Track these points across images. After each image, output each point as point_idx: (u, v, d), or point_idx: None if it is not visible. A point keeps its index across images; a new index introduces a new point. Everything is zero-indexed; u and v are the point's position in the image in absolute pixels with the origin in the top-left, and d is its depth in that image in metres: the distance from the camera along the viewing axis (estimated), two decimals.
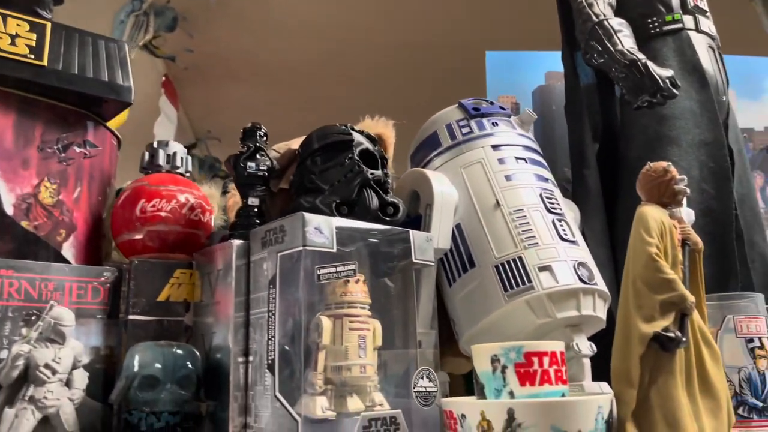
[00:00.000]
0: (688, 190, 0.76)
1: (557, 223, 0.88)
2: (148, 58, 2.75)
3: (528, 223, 0.87)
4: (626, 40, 1.04)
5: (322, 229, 0.68)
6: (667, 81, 0.98)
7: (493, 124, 0.98)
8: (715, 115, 1.06)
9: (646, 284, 0.71)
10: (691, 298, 0.71)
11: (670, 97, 0.99)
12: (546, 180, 0.95)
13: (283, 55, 3.01)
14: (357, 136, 0.82)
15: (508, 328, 0.84)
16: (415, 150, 1.04)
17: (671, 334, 0.69)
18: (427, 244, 0.79)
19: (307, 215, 0.68)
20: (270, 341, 0.68)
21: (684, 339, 0.70)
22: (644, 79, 0.99)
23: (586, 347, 0.83)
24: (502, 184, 0.91)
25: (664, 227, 0.73)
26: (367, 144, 0.82)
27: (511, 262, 0.85)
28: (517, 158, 0.95)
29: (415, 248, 0.78)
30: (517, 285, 0.83)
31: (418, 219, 0.91)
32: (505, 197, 0.90)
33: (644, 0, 1.13)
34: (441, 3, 2.19)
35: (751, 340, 0.80)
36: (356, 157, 0.79)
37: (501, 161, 0.94)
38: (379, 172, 0.81)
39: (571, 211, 1.00)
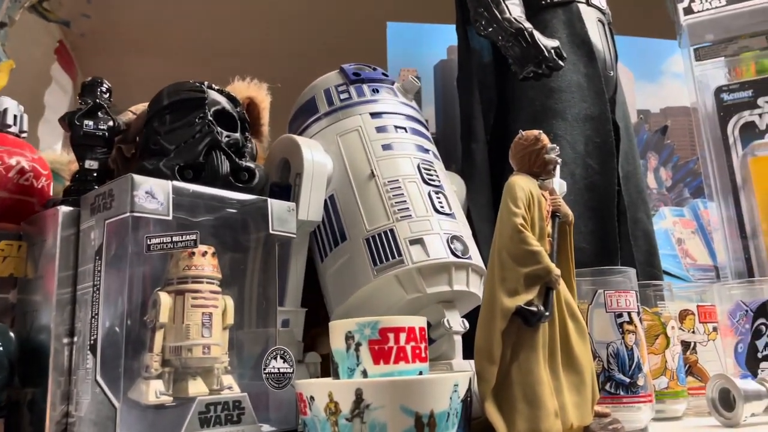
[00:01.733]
0: (560, 160, 0.73)
1: (433, 195, 0.84)
2: (39, 21, 2.53)
3: (402, 194, 0.82)
4: (514, 9, 1.01)
5: (155, 193, 0.61)
6: (552, 51, 0.96)
7: (373, 90, 0.93)
8: (601, 89, 1.05)
9: (511, 256, 0.68)
10: (557, 271, 0.68)
11: (556, 68, 0.97)
12: (426, 151, 0.91)
13: (191, 26, 2.85)
14: (213, 95, 0.75)
15: (378, 304, 0.80)
16: (294, 116, 0.97)
17: (534, 308, 0.66)
18: (288, 215, 0.73)
19: (137, 177, 0.60)
20: (93, 319, 0.60)
21: (547, 313, 0.67)
22: (530, 48, 0.96)
23: (458, 324, 0.80)
24: (378, 153, 0.86)
25: (532, 198, 0.70)
26: (225, 104, 0.75)
27: (382, 235, 0.80)
28: (396, 127, 0.90)
29: (273, 218, 0.72)
30: (387, 259, 0.78)
31: (288, 188, 0.85)
32: (381, 167, 0.85)
33: None
34: None
35: (620, 315, 0.78)
36: (209, 117, 0.72)
37: (379, 129, 0.89)
38: (236, 135, 0.74)
39: (454, 185, 0.97)
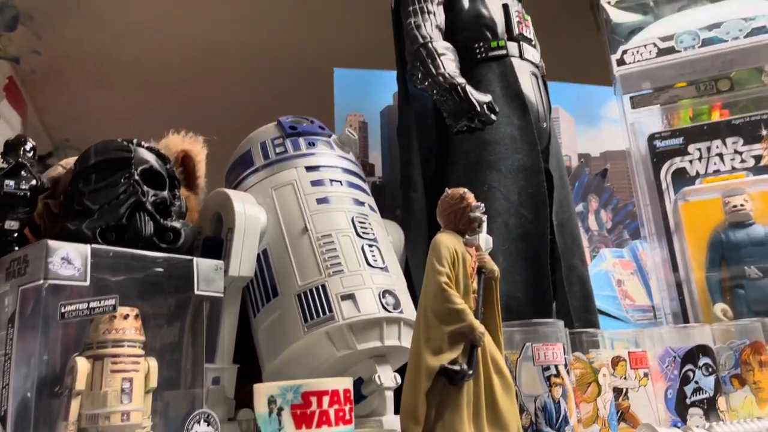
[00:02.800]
0: (485, 218, 0.75)
1: (367, 249, 0.85)
2: None
3: (335, 249, 0.83)
4: (449, 64, 1.04)
5: (71, 259, 0.60)
6: (485, 106, 0.99)
7: (309, 144, 0.94)
8: (534, 140, 1.08)
9: (435, 315, 0.69)
10: (481, 329, 0.69)
11: (488, 123, 1.00)
12: (362, 204, 0.92)
13: (144, 59, 2.85)
14: (141, 153, 0.75)
15: (309, 361, 0.79)
16: (230, 168, 0.98)
17: (457, 367, 0.67)
18: (215, 274, 0.73)
19: (53, 243, 0.60)
20: (4, 389, 0.59)
21: (471, 371, 0.68)
22: (463, 103, 0.99)
23: (389, 379, 0.80)
24: (312, 207, 0.87)
25: (456, 255, 0.72)
26: (153, 162, 0.75)
27: (314, 291, 0.80)
28: (332, 180, 0.91)
29: (199, 278, 0.71)
30: (318, 315, 0.79)
31: (221, 243, 0.85)
32: (315, 221, 0.85)
33: (472, 25, 1.14)
34: (291, 17, 2.15)
35: (547, 368, 0.80)
36: (135, 177, 0.71)
37: (314, 183, 0.90)
38: (164, 193, 0.74)
39: (391, 235, 0.98)
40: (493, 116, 1.00)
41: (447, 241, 0.72)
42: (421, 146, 1.12)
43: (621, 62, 1.43)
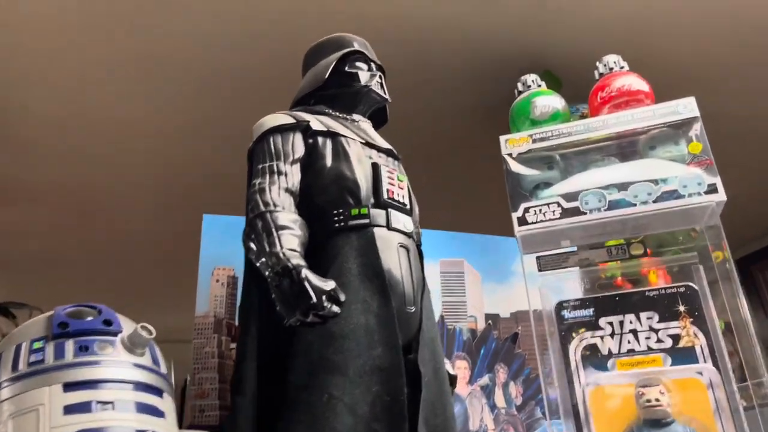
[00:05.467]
0: None
1: None
2: None
3: None
4: (288, 240, 0.86)
5: None
6: (324, 297, 0.80)
7: (80, 348, 0.72)
8: (394, 332, 0.88)
9: None
10: None
11: (326, 317, 0.80)
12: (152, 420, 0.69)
13: (51, 179, 2.66)
14: None
15: None
16: None
17: None
18: None
19: None
20: None
21: None
22: (296, 292, 0.80)
23: None
24: None
25: None
26: None
27: None
28: (102, 403, 0.68)
29: None
30: None
31: None
32: None
33: (332, 188, 0.97)
34: (158, 158, 2.01)
35: None
36: None
37: (71, 409, 0.67)
38: None
39: None
40: (335, 308, 0.80)
41: None
42: (261, 335, 0.91)
43: (523, 221, 1.28)
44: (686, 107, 1.28)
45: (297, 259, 0.83)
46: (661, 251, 1.34)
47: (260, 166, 0.96)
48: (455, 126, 1.89)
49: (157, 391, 0.75)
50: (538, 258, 1.35)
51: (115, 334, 0.75)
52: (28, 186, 2.79)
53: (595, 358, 1.23)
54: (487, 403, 1.34)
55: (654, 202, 1.23)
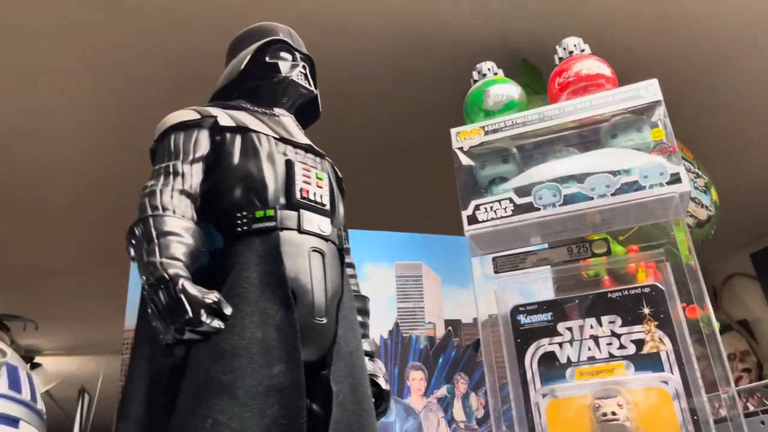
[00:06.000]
0: None
1: None
2: None
3: None
4: (172, 248, 0.77)
5: None
6: (202, 311, 0.71)
7: None
8: (295, 348, 0.79)
9: None
10: None
11: (208, 333, 0.72)
12: None
13: (36, 193, 2.63)
14: None
15: None
16: None
17: None
18: None
19: None
20: None
21: None
22: (171, 305, 0.71)
23: None
24: None
25: None
26: None
27: None
28: None
29: None
30: None
31: None
32: None
33: (239, 188, 0.89)
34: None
35: None
36: None
37: None
38: None
39: None
40: (216, 323, 0.72)
41: None
42: (154, 353, 0.82)
43: (473, 219, 1.19)
44: (648, 90, 1.18)
45: (175, 269, 0.74)
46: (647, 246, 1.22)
47: (157, 167, 0.88)
48: (413, 123, 1.80)
49: (11, 421, 0.67)
50: (494, 259, 1.25)
51: None
52: (17, 200, 2.77)
53: (552, 367, 1.12)
54: (444, 417, 1.24)
55: (613, 195, 1.12)
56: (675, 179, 1.09)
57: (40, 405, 0.74)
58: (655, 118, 1.16)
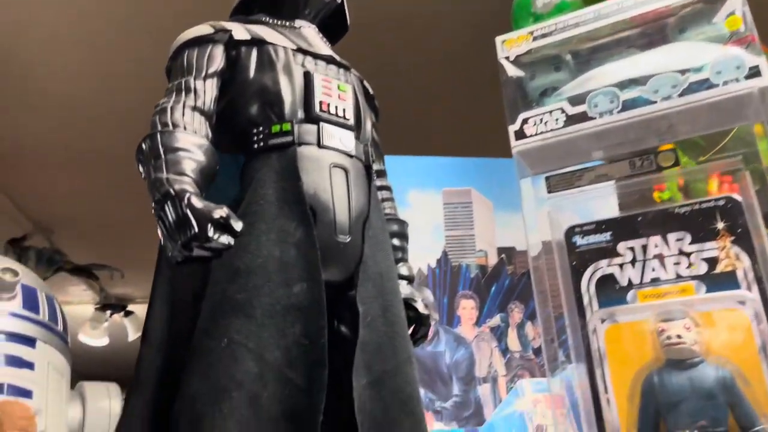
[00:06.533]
0: None
1: None
2: None
3: None
4: (182, 164, 0.73)
5: None
6: (209, 225, 0.67)
7: None
8: (315, 266, 0.74)
9: None
10: None
11: (217, 249, 0.68)
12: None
13: (95, 141, 2.72)
14: None
15: None
16: None
17: None
18: None
19: None
20: None
21: None
22: (177, 220, 0.67)
23: None
24: None
25: None
26: None
27: None
28: None
29: None
30: None
31: None
32: None
33: (255, 103, 0.83)
34: None
35: None
36: None
37: None
38: None
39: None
40: (224, 239, 0.68)
41: None
42: (174, 275, 0.80)
43: (520, 134, 1.08)
44: None
45: (182, 184, 0.71)
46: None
47: (170, 85, 0.84)
48: (457, 35, 1.66)
49: (27, 341, 0.66)
50: (546, 178, 1.15)
51: None
52: (97, 153, 2.87)
53: (612, 291, 1.03)
54: (497, 346, 1.18)
55: (679, 96, 0.99)
56: (754, 72, 0.94)
57: (62, 328, 0.74)
58: (731, 6, 1.01)
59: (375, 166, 0.97)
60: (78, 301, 4.70)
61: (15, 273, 0.68)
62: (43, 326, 0.70)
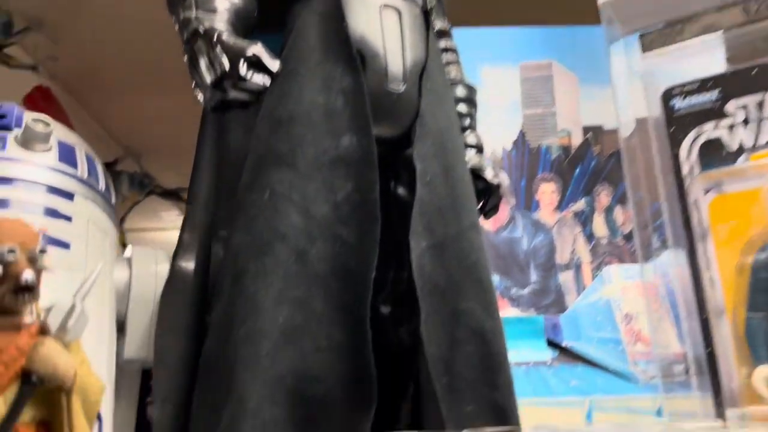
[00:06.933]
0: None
1: None
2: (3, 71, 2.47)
3: None
4: (213, 2, 0.66)
5: None
6: (241, 62, 0.60)
7: None
8: (364, 115, 0.66)
9: None
10: None
11: (251, 89, 0.61)
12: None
13: (181, 63, 2.72)
14: None
15: None
16: None
17: None
18: None
19: None
20: None
21: None
22: (207, 60, 0.61)
23: None
24: None
25: None
26: None
27: None
28: None
29: None
30: None
31: None
32: None
33: None
34: None
35: None
36: None
37: None
38: None
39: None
40: (258, 78, 0.61)
41: None
42: (218, 140, 0.74)
43: None
44: None
45: (212, 22, 0.64)
46: None
47: None
48: None
49: (65, 194, 0.63)
50: (641, 36, 0.99)
51: (7, 129, 0.64)
52: (168, 71, 2.90)
53: (718, 158, 0.88)
54: (582, 231, 1.07)
55: None
56: None
57: (104, 188, 0.71)
58: None
59: (437, 24, 0.86)
60: (172, 227, 4.93)
61: (47, 124, 0.65)
62: (82, 182, 0.68)
